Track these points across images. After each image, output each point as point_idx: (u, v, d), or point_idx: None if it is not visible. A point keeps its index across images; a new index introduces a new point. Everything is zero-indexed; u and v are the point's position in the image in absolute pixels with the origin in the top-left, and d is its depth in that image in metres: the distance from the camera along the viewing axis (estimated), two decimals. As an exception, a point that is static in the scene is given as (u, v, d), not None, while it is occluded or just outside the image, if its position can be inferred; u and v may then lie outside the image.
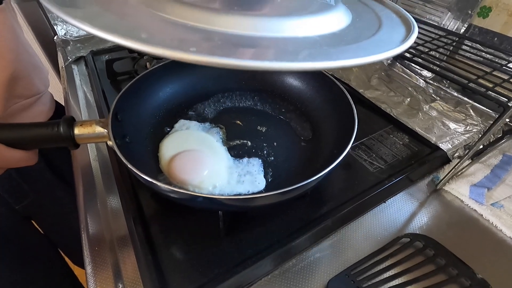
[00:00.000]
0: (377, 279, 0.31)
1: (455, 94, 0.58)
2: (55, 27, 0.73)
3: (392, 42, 0.25)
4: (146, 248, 0.32)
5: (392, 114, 0.52)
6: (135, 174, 0.29)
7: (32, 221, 0.63)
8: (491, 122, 0.51)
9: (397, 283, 0.31)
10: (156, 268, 0.31)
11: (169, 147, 0.40)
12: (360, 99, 0.57)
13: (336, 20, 0.26)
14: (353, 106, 0.38)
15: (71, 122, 0.32)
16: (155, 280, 0.30)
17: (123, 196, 0.38)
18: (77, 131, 0.32)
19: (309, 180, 0.29)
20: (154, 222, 0.36)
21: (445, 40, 0.55)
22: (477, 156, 0.45)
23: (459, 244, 0.35)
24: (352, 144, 0.33)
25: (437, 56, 0.55)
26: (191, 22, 0.22)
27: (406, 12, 0.30)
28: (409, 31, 0.27)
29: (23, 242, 0.58)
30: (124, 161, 0.30)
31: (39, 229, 0.64)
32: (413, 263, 0.32)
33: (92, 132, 0.33)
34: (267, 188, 0.37)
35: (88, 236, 0.36)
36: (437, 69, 0.48)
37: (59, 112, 0.58)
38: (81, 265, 0.34)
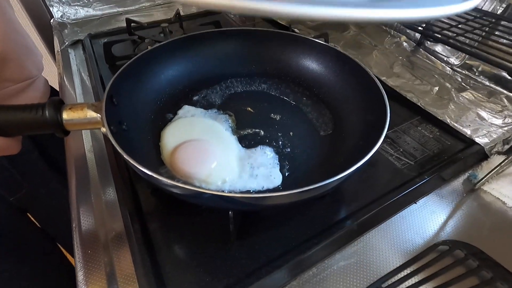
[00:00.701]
0: (413, 294, 0.27)
1: (487, 83, 0.52)
2: (51, 8, 0.69)
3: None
4: (144, 249, 0.29)
5: (419, 104, 0.47)
6: (132, 166, 0.25)
7: (28, 214, 0.60)
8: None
9: (436, 299, 0.26)
10: (155, 273, 0.28)
11: (172, 136, 0.36)
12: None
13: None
14: (383, 90, 0.33)
15: (59, 105, 0.28)
16: (154, 287, 0.26)
17: (120, 191, 0.35)
18: (65, 115, 0.28)
19: (334, 178, 0.25)
20: (154, 220, 0.32)
21: (480, 21, 0.49)
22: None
23: (504, 253, 0.30)
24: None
25: (471, 37, 0.49)
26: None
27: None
28: None
29: (18, 236, 0.56)
30: (120, 150, 0.26)
31: (35, 222, 0.62)
32: (454, 275, 0.28)
33: (83, 117, 0.29)
34: (283, 184, 0.33)
35: (80, 236, 0.32)
36: (475, 51, 0.42)
37: (55, 98, 0.54)
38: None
